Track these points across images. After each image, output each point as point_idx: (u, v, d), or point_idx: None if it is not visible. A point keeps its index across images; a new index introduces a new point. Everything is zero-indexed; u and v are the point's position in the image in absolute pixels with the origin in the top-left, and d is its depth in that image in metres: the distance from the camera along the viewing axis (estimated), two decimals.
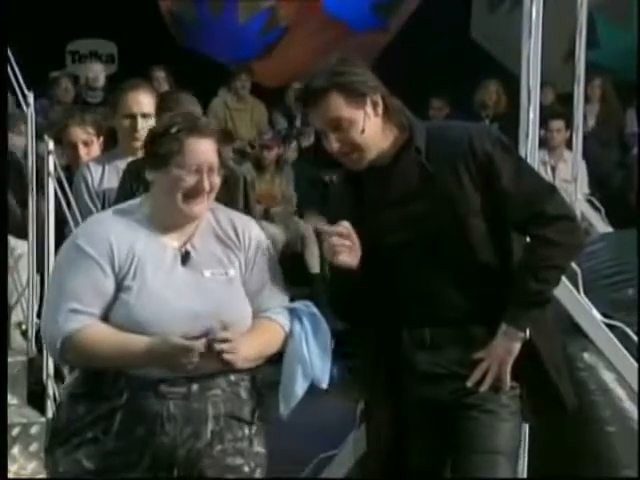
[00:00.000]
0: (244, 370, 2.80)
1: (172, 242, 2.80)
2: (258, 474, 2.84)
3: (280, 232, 8.06)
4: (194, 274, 2.77)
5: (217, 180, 2.79)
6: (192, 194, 2.75)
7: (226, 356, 2.67)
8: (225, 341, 2.67)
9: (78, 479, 2.72)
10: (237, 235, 2.85)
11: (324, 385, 2.85)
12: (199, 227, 2.83)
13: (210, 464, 2.74)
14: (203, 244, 2.81)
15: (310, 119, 3.03)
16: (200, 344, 2.64)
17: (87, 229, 2.84)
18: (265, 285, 2.85)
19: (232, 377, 2.78)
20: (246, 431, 2.81)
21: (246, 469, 2.80)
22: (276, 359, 2.87)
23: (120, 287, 2.72)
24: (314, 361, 2.83)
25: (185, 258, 2.78)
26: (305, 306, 2.87)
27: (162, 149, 2.75)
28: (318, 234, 3.00)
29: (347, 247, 2.89)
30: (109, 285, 2.72)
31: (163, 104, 4.13)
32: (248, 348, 2.74)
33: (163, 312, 2.70)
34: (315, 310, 2.87)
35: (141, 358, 2.66)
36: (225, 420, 2.76)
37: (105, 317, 2.72)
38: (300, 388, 2.82)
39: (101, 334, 2.69)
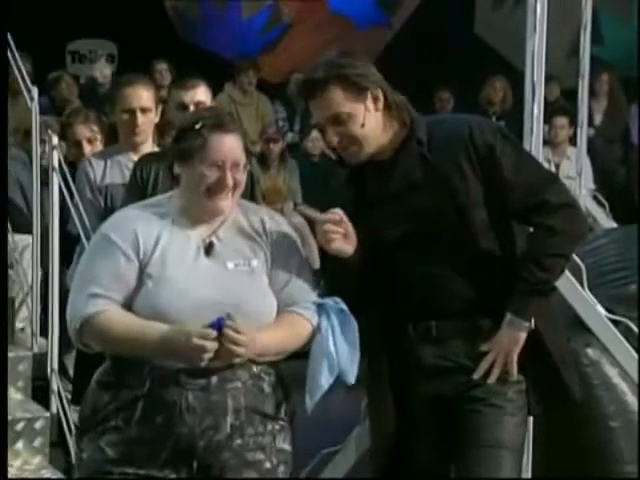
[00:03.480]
0: (268, 363, 2.79)
1: (197, 234, 2.81)
2: (281, 471, 2.81)
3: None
4: (217, 265, 2.78)
5: (242, 176, 2.80)
6: (216, 190, 2.76)
7: (233, 347, 2.64)
8: (235, 331, 2.64)
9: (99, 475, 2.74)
10: (264, 229, 2.85)
11: (351, 381, 2.83)
12: (226, 220, 2.85)
13: (229, 457, 2.73)
14: (228, 236, 2.82)
15: (311, 112, 3.01)
16: (211, 332, 2.61)
17: (114, 220, 2.87)
18: (291, 280, 2.83)
19: (255, 370, 2.77)
20: (269, 426, 2.79)
21: (267, 465, 2.77)
22: (304, 354, 2.86)
23: (142, 275, 2.74)
24: (341, 356, 2.81)
25: (209, 249, 2.79)
26: (334, 302, 2.85)
27: (187, 144, 2.77)
28: (311, 224, 2.97)
29: (340, 234, 2.88)
30: (132, 271, 2.74)
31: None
32: (262, 341, 2.72)
33: (182, 301, 2.70)
34: (344, 306, 2.84)
35: (157, 345, 2.66)
36: (246, 414, 2.75)
37: (129, 305, 2.74)
38: (326, 381, 2.80)
39: (119, 318, 2.70)
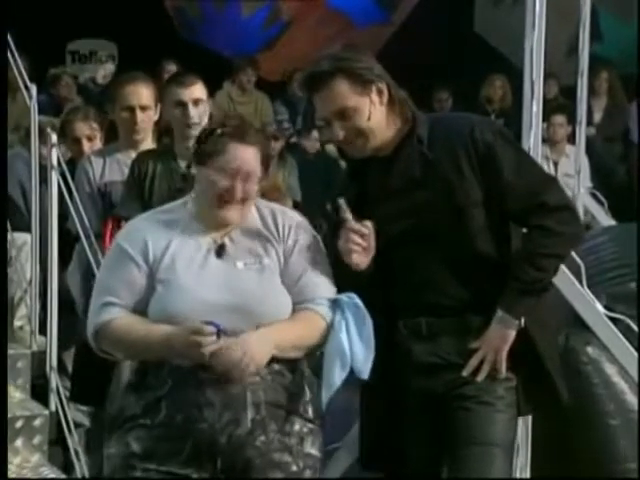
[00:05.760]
0: (290, 361, 2.81)
1: (210, 236, 2.84)
2: (308, 476, 2.79)
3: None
4: (227, 266, 2.80)
5: (253, 188, 2.81)
6: (225, 198, 2.79)
7: (234, 353, 2.65)
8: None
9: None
10: (277, 227, 2.87)
11: (365, 376, 2.83)
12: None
13: (254, 455, 2.73)
14: (241, 236, 2.84)
15: (315, 107, 3.00)
16: (206, 327, 2.65)
17: (127, 229, 2.94)
18: (304, 276, 2.84)
19: (276, 367, 2.78)
20: (296, 427, 2.79)
21: (294, 468, 2.77)
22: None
23: (154, 280, 2.78)
24: (355, 352, 2.81)
25: (220, 251, 2.82)
26: (348, 298, 2.85)
27: (205, 148, 2.81)
28: (336, 226, 2.95)
29: (362, 247, 2.88)
30: (142, 278, 2.79)
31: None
32: (261, 345, 2.71)
33: (192, 303, 2.73)
34: (358, 302, 2.84)
35: (161, 345, 2.71)
36: (267, 409, 2.75)
37: (144, 311, 2.79)
38: (338, 378, 2.81)
39: (129, 324, 2.77)
